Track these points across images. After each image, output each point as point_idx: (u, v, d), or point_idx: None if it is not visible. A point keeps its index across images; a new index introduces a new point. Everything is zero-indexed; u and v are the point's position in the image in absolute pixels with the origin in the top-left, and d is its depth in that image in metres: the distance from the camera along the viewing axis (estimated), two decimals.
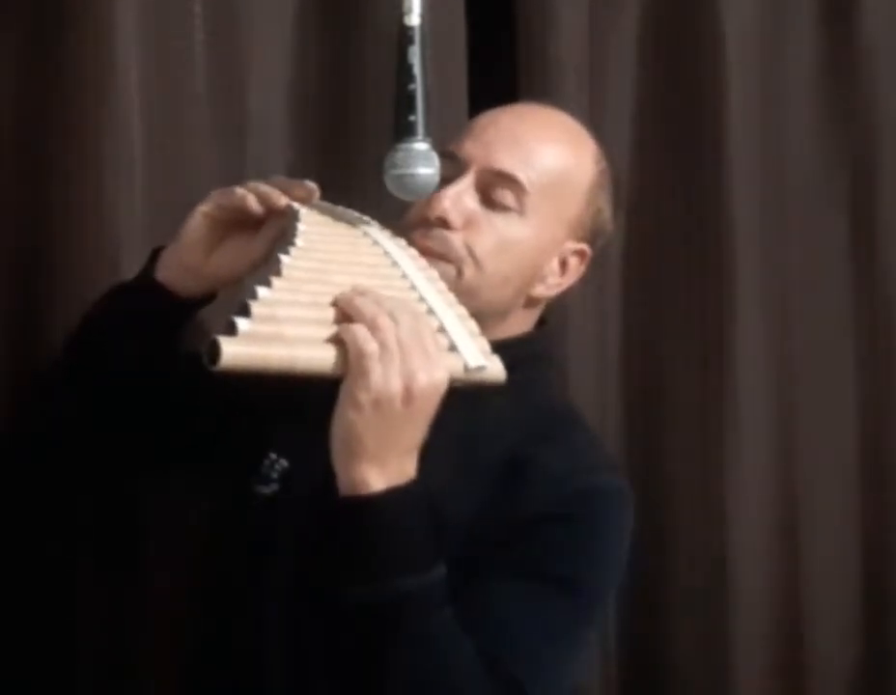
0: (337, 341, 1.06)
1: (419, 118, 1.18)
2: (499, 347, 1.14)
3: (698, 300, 1.87)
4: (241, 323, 1.01)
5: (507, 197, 1.27)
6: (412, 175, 1.19)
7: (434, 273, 1.19)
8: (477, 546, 1.17)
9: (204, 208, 1.28)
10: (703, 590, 1.88)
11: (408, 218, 1.29)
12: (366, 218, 1.28)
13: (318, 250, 1.15)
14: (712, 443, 1.87)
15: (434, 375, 1.07)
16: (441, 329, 1.11)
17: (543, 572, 1.18)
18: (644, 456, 1.86)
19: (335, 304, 1.08)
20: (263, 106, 1.61)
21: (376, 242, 1.21)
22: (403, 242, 1.24)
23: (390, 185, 1.20)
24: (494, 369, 1.10)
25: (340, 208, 1.30)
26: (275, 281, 1.07)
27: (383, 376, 1.05)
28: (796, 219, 1.95)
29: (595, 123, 1.74)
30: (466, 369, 1.09)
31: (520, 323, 1.33)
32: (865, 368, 2.00)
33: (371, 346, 1.05)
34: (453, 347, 1.10)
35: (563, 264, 1.33)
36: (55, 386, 1.38)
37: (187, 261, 1.29)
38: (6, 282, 1.47)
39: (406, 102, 1.18)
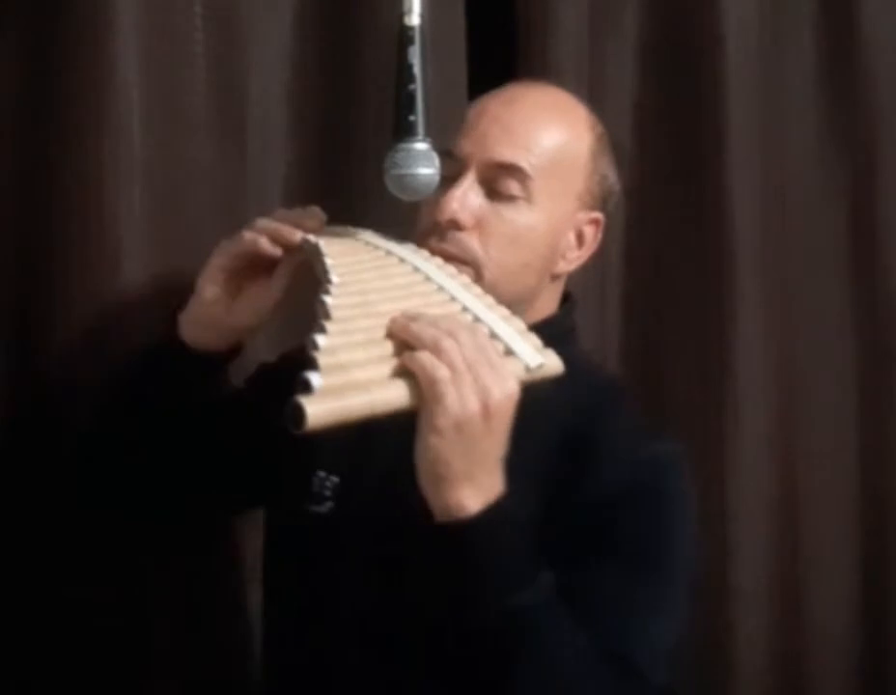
0: (405, 373, 1.05)
1: (419, 118, 1.18)
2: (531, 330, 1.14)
3: (698, 300, 1.87)
4: (314, 379, 1.00)
5: (512, 186, 1.27)
6: (412, 175, 1.19)
7: (466, 279, 1.19)
8: (552, 534, 1.16)
9: (217, 262, 1.27)
10: (703, 589, 1.87)
11: (420, 227, 1.29)
12: (378, 234, 1.27)
13: (353, 282, 1.14)
14: (712, 443, 1.87)
15: (506, 387, 1.06)
16: (493, 336, 1.10)
17: (628, 549, 1.19)
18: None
19: (391, 336, 1.07)
20: (263, 106, 1.61)
21: (402, 260, 1.20)
22: (425, 253, 1.23)
23: (390, 185, 1.20)
24: (552, 362, 1.10)
25: (350, 229, 1.28)
26: (328, 325, 1.05)
27: (459, 398, 1.04)
28: (796, 219, 1.96)
29: None
30: (528, 370, 1.08)
31: (548, 301, 1.34)
32: (865, 367, 2.00)
33: (441, 371, 1.04)
34: (509, 352, 1.09)
35: (579, 237, 1.33)
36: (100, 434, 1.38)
37: (209, 317, 1.29)
38: (6, 282, 1.47)
39: (406, 102, 1.18)
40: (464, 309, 1.13)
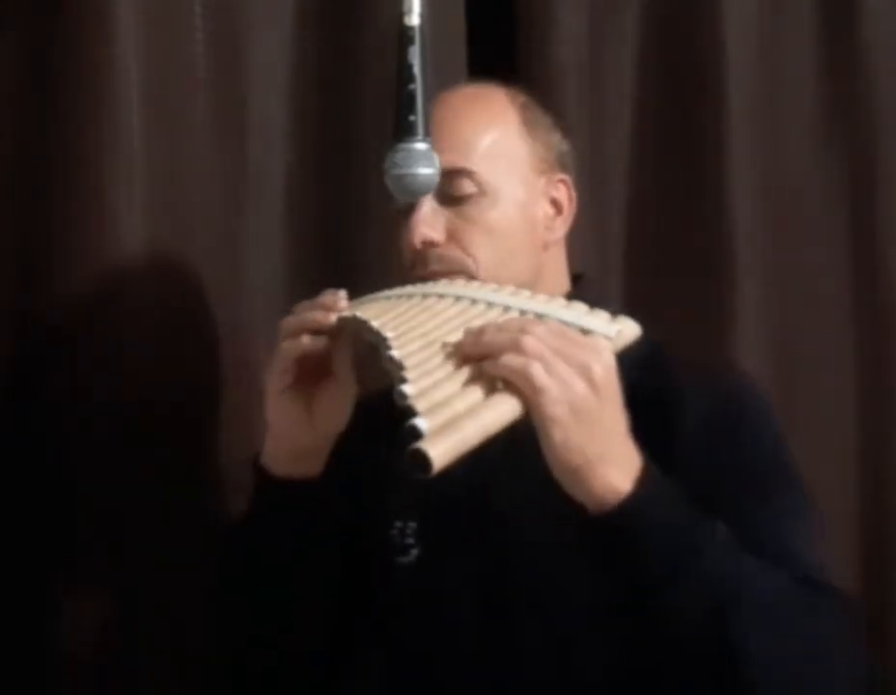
0: (498, 386, 1.02)
1: (419, 118, 1.18)
2: None
3: (698, 300, 1.87)
4: (421, 423, 0.97)
5: (463, 186, 1.29)
6: (412, 175, 1.19)
7: (510, 287, 1.17)
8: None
9: (274, 389, 1.18)
10: None
11: (404, 261, 1.30)
12: (406, 289, 1.24)
13: (408, 331, 1.11)
14: None
15: (602, 358, 1.03)
16: (562, 323, 1.08)
17: (757, 481, 1.18)
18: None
19: (467, 359, 1.04)
20: (263, 106, 1.61)
21: (441, 296, 1.18)
22: (459, 282, 1.22)
23: (390, 185, 1.20)
24: (629, 327, 1.09)
25: (373, 295, 1.24)
26: (406, 374, 1.02)
27: (562, 384, 1.01)
28: (795, 219, 1.95)
29: (595, 123, 1.76)
30: (610, 340, 1.07)
31: (556, 274, 1.35)
32: (865, 367, 2.00)
33: (533, 366, 1.01)
34: (584, 331, 1.07)
35: (554, 203, 1.35)
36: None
37: (296, 443, 1.20)
38: (6, 282, 1.47)
39: (406, 102, 1.18)
40: (523, 313, 1.11)
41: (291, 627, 1.25)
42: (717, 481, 1.16)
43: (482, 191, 1.29)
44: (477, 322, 1.10)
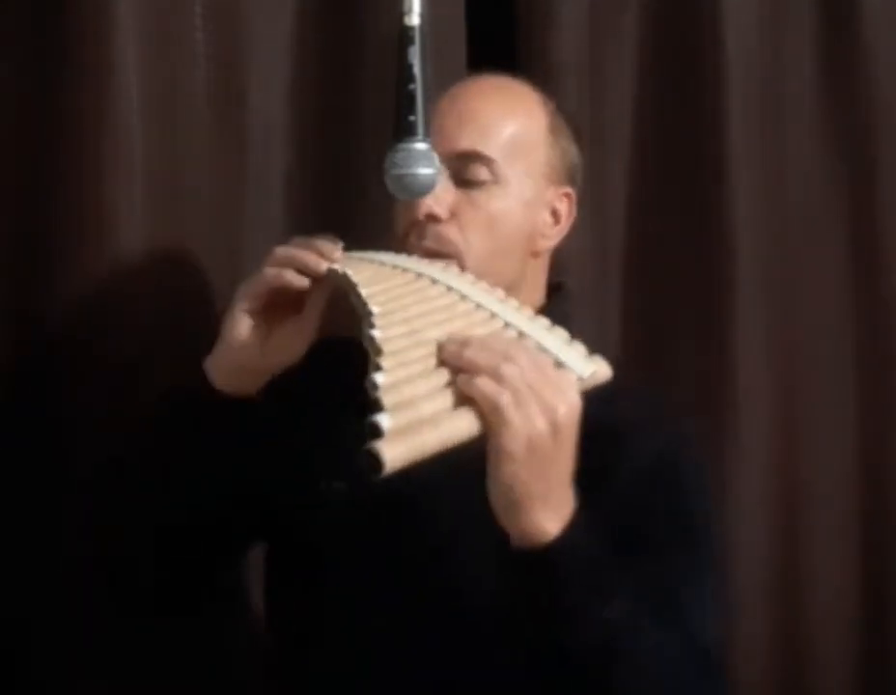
0: (465, 400, 1.03)
1: (419, 118, 1.18)
2: None
3: (698, 301, 1.87)
4: (384, 420, 0.98)
5: (480, 172, 1.30)
6: (412, 175, 1.19)
7: (502, 293, 1.17)
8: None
9: (242, 306, 1.22)
10: None
11: (399, 228, 1.30)
12: (401, 256, 1.25)
13: (394, 311, 1.11)
14: (712, 443, 1.87)
15: (569, 400, 1.05)
16: (540, 348, 1.09)
17: (671, 531, 1.21)
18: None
19: (444, 363, 1.05)
20: (263, 106, 1.61)
21: (434, 280, 1.18)
22: (455, 269, 1.22)
23: (390, 185, 1.20)
24: (601, 369, 1.10)
25: (369, 254, 1.26)
26: (382, 361, 1.03)
27: (527, 420, 1.03)
28: (795, 219, 1.95)
29: (595, 123, 1.76)
30: (580, 380, 1.08)
31: (535, 280, 1.36)
32: (865, 367, 2.00)
33: (504, 397, 1.02)
34: (559, 364, 1.08)
35: (554, 213, 1.36)
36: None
37: (241, 363, 1.23)
38: (6, 282, 1.47)
39: (406, 102, 1.18)
40: (507, 325, 1.12)
41: (173, 522, 1.27)
42: (639, 526, 1.20)
43: (495, 180, 1.31)
44: (462, 322, 1.11)
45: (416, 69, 1.18)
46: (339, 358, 1.24)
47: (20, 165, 1.47)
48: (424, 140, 1.19)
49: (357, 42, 1.65)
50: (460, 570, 1.22)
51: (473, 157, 1.30)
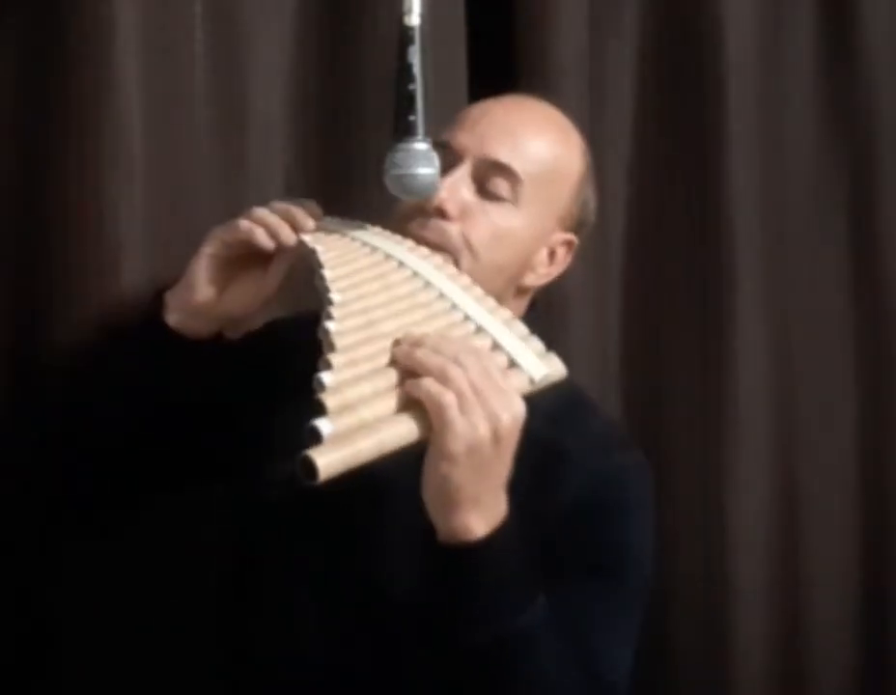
0: (412, 403, 1.04)
1: (419, 118, 1.18)
2: None
3: (698, 300, 1.87)
4: (324, 426, 0.98)
5: (502, 187, 1.29)
6: (412, 175, 1.19)
7: (467, 279, 1.18)
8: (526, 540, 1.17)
9: (209, 250, 1.26)
10: (703, 588, 1.88)
11: (404, 209, 1.29)
12: (375, 229, 1.26)
13: (354, 300, 1.12)
14: (711, 443, 1.87)
15: (514, 410, 1.06)
16: (496, 346, 1.10)
17: (594, 565, 1.21)
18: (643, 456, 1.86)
19: (395, 363, 1.06)
20: (263, 106, 1.61)
21: (401, 263, 1.19)
22: (424, 251, 1.22)
23: (390, 185, 1.20)
24: (555, 368, 1.10)
25: (346, 223, 1.27)
26: (333, 359, 1.04)
27: (469, 424, 1.04)
28: (795, 219, 1.96)
29: (595, 123, 1.76)
30: (532, 382, 1.08)
31: (513, 312, 1.33)
32: (865, 368, 2.00)
33: (448, 397, 1.03)
34: (513, 363, 1.09)
35: (551, 254, 1.35)
36: (76, 425, 1.35)
37: (197, 303, 1.27)
38: (6, 282, 1.47)
39: (406, 102, 1.18)
40: (467, 317, 1.12)
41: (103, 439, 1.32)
42: (569, 553, 1.21)
43: (514, 200, 1.29)
44: (421, 313, 1.12)
45: (416, 70, 1.18)
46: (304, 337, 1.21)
47: (20, 165, 1.47)
48: (424, 140, 1.19)
49: (357, 42, 1.65)
50: (387, 559, 1.22)
51: (503, 170, 1.29)
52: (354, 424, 1.00)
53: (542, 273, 1.35)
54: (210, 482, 1.39)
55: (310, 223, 1.24)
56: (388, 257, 1.20)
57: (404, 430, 1.03)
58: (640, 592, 1.27)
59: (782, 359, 1.93)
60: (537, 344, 1.11)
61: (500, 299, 1.29)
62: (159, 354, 1.28)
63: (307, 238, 1.23)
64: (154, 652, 1.49)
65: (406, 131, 1.18)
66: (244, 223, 1.24)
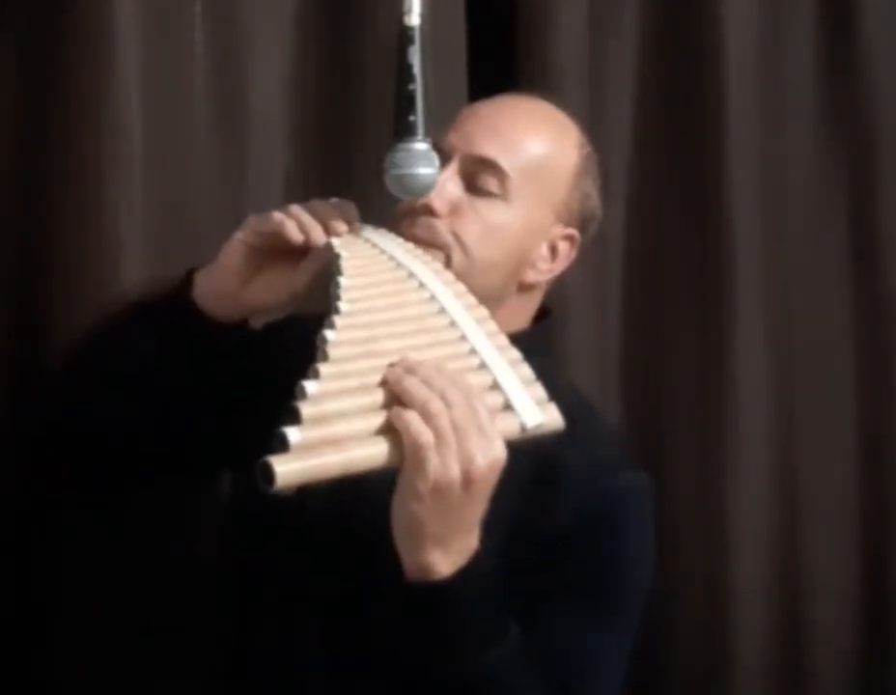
0: (390, 429, 1.02)
1: (419, 118, 1.18)
2: None
3: (698, 300, 1.87)
4: (292, 435, 0.97)
5: (490, 183, 1.28)
6: (412, 175, 1.19)
7: (484, 312, 1.15)
8: (520, 560, 1.17)
9: (241, 236, 1.26)
10: (703, 589, 1.88)
11: (397, 210, 1.30)
12: (408, 245, 1.24)
13: (362, 312, 1.10)
14: (711, 442, 1.87)
15: (491, 455, 1.04)
16: (495, 386, 1.07)
17: (587, 586, 1.20)
18: (643, 456, 1.86)
19: (384, 383, 1.04)
20: (263, 106, 1.61)
21: (422, 284, 1.17)
22: (450, 277, 1.20)
23: (390, 185, 1.20)
24: (551, 420, 1.07)
25: (381, 235, 1.25)
26: (322, 368, 1.02)
27: (441, 465, 1.02)
28: (795, 219, 1.96)
29: (595, 123, 1.76)
30: (523, 429, 1.05)
31: (518, 311, 1.33)
32: (865, 368, 2.00)
33: (425, 436, 1.01)
34: (508, 406, 1.06)
35: (553, 249, 1.34)
36: (80, 400, 1.34)
37: (223, 288, 1.27)
38: (6, 282, 1.47)
39: (406, 102, 1.18)
40: (472, 351, 1.10)
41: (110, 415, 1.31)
42: (566, 571, 1.19)
43: (503, 196, 1.29)
44: (426, 339, 1.09)
45: (416, 70, 1.18)
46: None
47: (20, 165, 1.47)
48: (424, 140, 1.19)
49: (357, 42, 1.65)
50: (383, 571, 1.19)
51: (490, 167, 1.28)
52: (326, 437, 0.98)
53: (543, 269, 1.33)
54: (213, 476, 1.39)
55: (342, 227, 1.23)
56: (411, 275, 1.18)
57: (375, 453, 1.01)
58: (633, 616, 1.25)
59: (782, 359, 1.93)
60: (539, 390, 1.08)
61: (500, 296, 1.30)
62: (180, 330, 1.28)
63: (336, 242, 1.21)
64: (150, 651, 1.50)
65: (406, 131, 1.18)
66: (278, 215, 1.24)
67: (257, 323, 1.35)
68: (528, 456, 1.10)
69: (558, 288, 1.41)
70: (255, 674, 1.30)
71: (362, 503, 1.14)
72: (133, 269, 1.47)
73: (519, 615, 1.14)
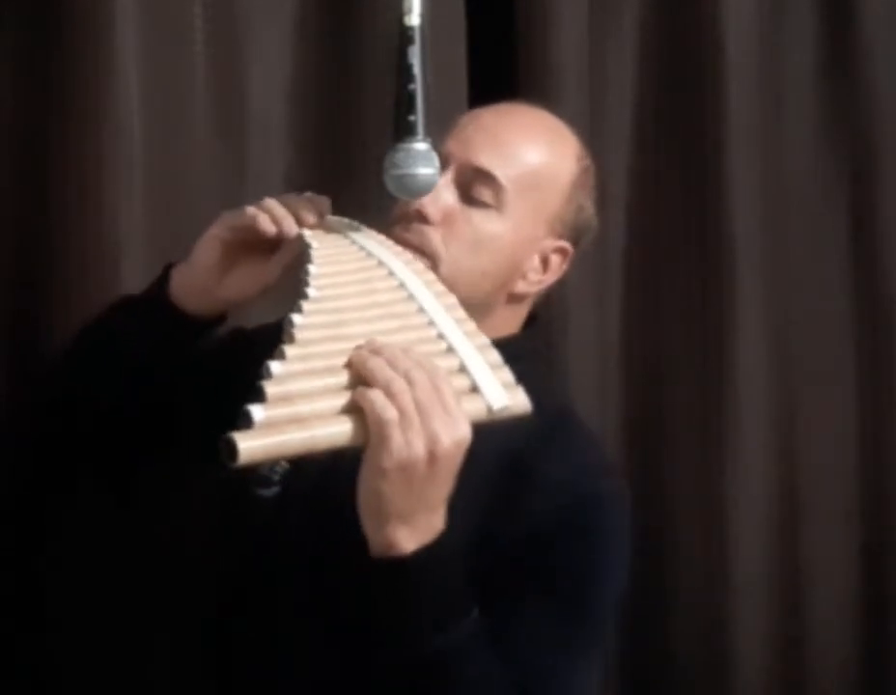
0: (355, 408, 1.03)
1: (419, 118, 1.18)
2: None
3: (698, 300, 1.88)
4: (256, 412, 0.98)
5: (485, 194, 1.28)
6: (412, 175, 1.19)
7: (453, 299, 1.15)
8: (486, 559, 1.16)
9: (215, 232, 1.27)
10: (703, 588, 1.88)
11: (392, 214, 1.30)
12: (379, 237, 1.25)
13: (331, 297, 1.12)
14: (712, 442, 1.87)
15: (455, 434, 1.04)
16: (462, 369, 1.07)
17: (552, 588, 1.19)
18: (643, 456, 1.87)
19: (351, 365, 1.05)
20: (263, 106, 1.62)
21: (391, 273, 1.18)
22: (419, 266, 1.21)
23: (390, 185, 1.20)
24: (518, 403, 1.07)
25: (352, 226, 1.27)
26: (288, 350, 1.04)
27: (405, 443, 1.02)
28: (795, 219, 1.96)
29: (595, 123, 1.76)
30: (490, 411, 1.06)
31: (507, 320, 1.33)
32: (865, 368, 2.00)
33: (389, 413, 1.02)
34: (475, 388, 1.06)
35: (544, 261, 1.33)
36: (59, 392, 1.37)
37: (200, 283, 1.28)
38: (6, 282, 1.47)
39: (406, 102, 1.18)
40: (440, 336, 1.10)
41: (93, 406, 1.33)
42: (533, 572, 1.19)
43: (497, 207, 1.28)
44: (395, 323, 1.10)
45: (416, 70, 1.18)
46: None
47: (20, 164, 1.47)
48: (424, 140, 1.18)
49: (357, 43, 1.65)
50: (347, 566, 1.19)
51: (486, 177, 1.28)
52: (290, 415, 0.99)
53: (534, 280, 1.33)
54: (197, 472, 1.39)
55: (311, 218, 1.25)
56: (380, 264, 1.19)
57: (338, 432, 1.01)
58: (600, 622, 1.25)
59: (782, 360, 1.93)
60: (506, 375, 1.08)
61: (489, 305, 1.30)
62: (157, 325, 1.29)
63: (307, 233, 1.23)
64: (143, 647, 1.50)
65: (406, 131, 1.18)
66: (250, 209, 1.25)
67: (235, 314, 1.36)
68: (500, 455, 1.11)
69: (558, 288, 1.41)
70: (234, 660, 1.31)
71: (339, 495, 1.14)
72: (133, 270, 1.47)
73: (486, 610, 1.13)
